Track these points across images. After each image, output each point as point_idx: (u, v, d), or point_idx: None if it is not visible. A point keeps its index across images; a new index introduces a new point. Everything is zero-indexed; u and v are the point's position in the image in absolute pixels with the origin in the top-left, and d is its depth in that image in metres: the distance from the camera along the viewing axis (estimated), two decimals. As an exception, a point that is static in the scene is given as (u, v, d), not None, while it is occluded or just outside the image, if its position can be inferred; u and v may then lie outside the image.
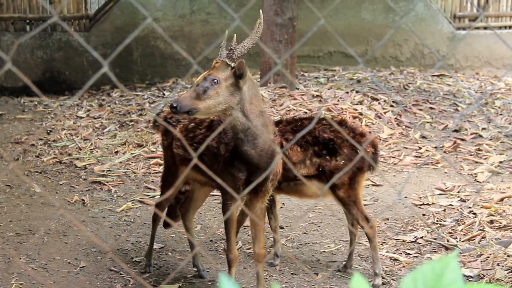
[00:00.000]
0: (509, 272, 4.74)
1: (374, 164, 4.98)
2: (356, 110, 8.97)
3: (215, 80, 4.03)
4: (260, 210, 4.49)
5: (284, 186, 5.19)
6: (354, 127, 5.17)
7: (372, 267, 5.06)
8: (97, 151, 8.23)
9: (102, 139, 8.64)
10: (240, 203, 4.46)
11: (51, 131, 9.08)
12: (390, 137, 8.45)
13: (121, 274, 5.20)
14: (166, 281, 5.12)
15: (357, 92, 9.65)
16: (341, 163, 4.96)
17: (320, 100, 9.28)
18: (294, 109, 8.85)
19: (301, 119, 5.31)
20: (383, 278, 5.05)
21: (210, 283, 5.15)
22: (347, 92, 9.60)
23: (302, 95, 9.37)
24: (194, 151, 4.51)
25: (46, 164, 7.81)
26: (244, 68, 4.10)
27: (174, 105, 3.97)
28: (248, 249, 5.73)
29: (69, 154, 8.11)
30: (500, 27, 12.75)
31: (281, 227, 6.21)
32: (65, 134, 8.88)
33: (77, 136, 8.77)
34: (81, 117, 9.73)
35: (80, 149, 8.30)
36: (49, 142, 8.60)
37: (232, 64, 4.11)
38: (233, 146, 4.26)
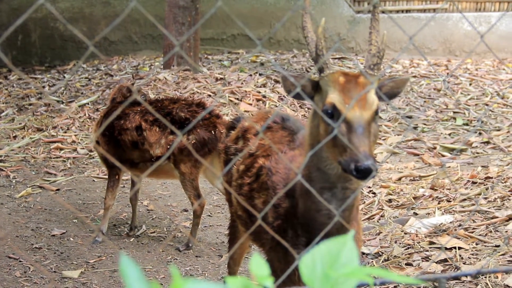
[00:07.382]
0: (406, 249, 4.91)
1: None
2: (259, 92, 9.03)
3: (377, 111, 2.57)
4: None
5: (141, 166, 5.45)
6: (212, 110, 5.54)
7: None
8: (-6, 136, 7.97)
9: (-1, 124, 8.37)
10: None
11: None
12: (293, 119, 8.56)
13: (20, 261, 5.07)
14: (68, 267, 5.03)
15: (260, 74, 9.72)
16: (192, 142, 5.22)
17: (223, 83, 9.29)
18: (198, 92, 8.83)
19: (162, 100, 5.56)
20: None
21: (113, 269, 5.09)
22: (251, 75, 9.65)
23: (206, 78, 9.35)
24: (241, 201, 3.24)
25: None
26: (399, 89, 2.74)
27: (373, 167, 2.35)
28: (152, 233, 5.70)
29: (-36, 139, 7.82)
30: (397, 11, 13.10)
31: (185, 210, 6.22)
32: (-41, 118, 8.55)
33: (-27, 121, 8.46)
34: (-24, 101, 9.38)
35: (-24, 134, 8.01)
36: None
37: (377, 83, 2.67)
38: (291, 207, 2.85)
